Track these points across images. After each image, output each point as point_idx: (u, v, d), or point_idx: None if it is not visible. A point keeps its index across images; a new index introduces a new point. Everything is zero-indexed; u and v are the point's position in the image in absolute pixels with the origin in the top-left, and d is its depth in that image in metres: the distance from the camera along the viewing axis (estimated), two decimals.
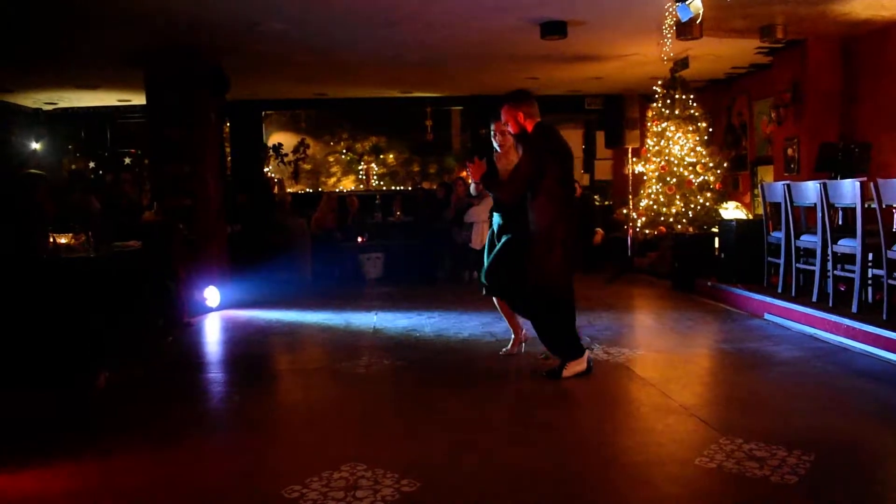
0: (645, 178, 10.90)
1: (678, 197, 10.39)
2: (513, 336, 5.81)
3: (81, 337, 5.26)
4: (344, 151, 15.68)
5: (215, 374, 5.96)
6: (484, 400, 4.79)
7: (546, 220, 4.99)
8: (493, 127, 5.54)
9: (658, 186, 10.56)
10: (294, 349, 6.81)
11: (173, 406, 4.84)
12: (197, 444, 4.10)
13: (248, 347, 6.69)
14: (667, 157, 10.50)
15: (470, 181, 5.63)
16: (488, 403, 4.72)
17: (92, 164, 13.03)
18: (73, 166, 12.77)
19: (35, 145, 12.23)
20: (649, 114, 11.07)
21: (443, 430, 4.23)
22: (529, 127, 5.10)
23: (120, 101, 12.20)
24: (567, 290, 5.10)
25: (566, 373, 5.06)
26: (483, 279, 5.48)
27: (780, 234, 7.35)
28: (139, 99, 10.17)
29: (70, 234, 5.69)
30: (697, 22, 6.77)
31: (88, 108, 12.73)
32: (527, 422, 4.35)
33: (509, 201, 5.16)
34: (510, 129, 5.20)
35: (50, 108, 12.56)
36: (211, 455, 3.96)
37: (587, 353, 5.20)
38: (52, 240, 5.54)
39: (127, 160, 13.26)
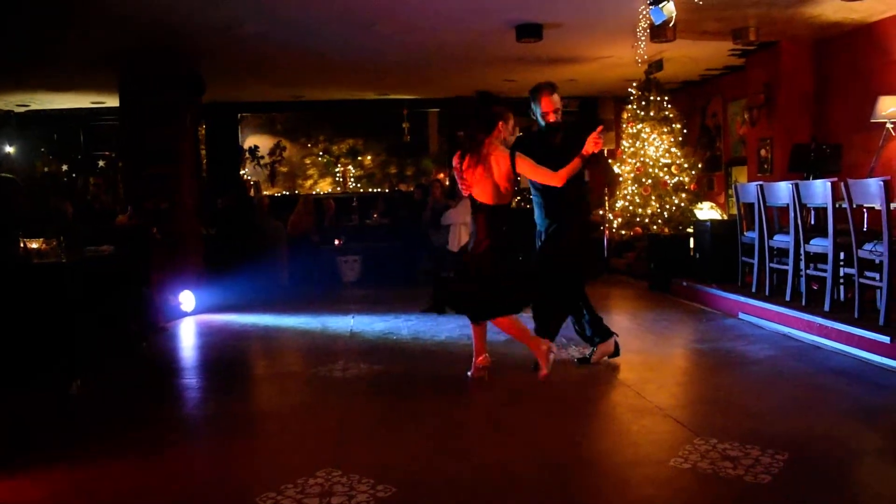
0: (620, 179, 10.96)
1: (653, 198, 10.47)
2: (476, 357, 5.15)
3: (54, 342, 5.20)
4: (321, 154, 15.60)
5: (190, 380, 5.90)
6: (460, 403, 4.78)
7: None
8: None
9: (633, 188, 10.64)
10: (270, 354, 6.76)
11: (147, 412, 4.78)
12: (171, 451, 4.05)
13: (223, 352, 6.64)
14: (642, 159, 10.58)
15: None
16: (464, 407, 4.72)
17: (65, 168, 12.89)
18: (46, 169, 12.63)
19: (8, 148, 12.07)
20: (624, 115, 11.14)
21: (419, 434, 4.22)
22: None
23: (93, 102, 12.06)
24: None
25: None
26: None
27: (754, 234, 7.41)
28: (113, 101, 10.06)
29: (41, 239, 5.61)
30: (671, 25, 6.80)
31: (61, 111, 12.58)
32: (502, 424, 4.35)
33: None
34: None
35: (22, 109, 12.39)
36: (185, 461, 3.92)
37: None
38: (22, 244, 5.46)
39: (101, 163, 13.14)
